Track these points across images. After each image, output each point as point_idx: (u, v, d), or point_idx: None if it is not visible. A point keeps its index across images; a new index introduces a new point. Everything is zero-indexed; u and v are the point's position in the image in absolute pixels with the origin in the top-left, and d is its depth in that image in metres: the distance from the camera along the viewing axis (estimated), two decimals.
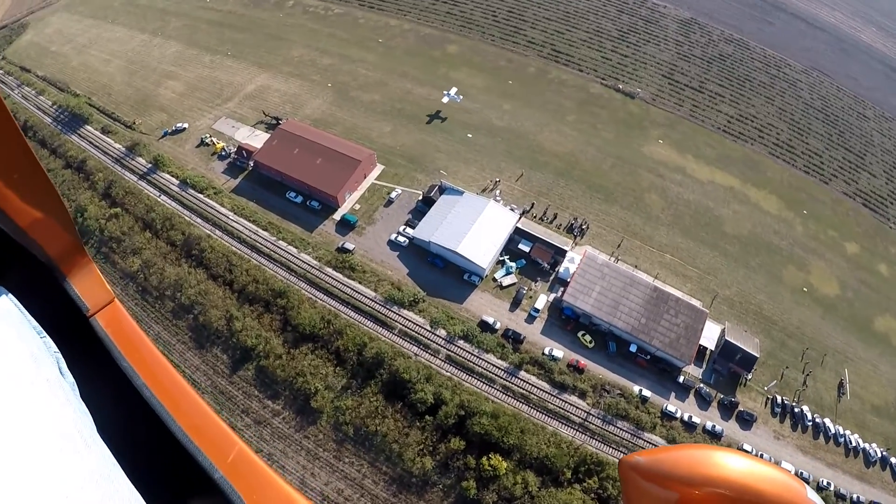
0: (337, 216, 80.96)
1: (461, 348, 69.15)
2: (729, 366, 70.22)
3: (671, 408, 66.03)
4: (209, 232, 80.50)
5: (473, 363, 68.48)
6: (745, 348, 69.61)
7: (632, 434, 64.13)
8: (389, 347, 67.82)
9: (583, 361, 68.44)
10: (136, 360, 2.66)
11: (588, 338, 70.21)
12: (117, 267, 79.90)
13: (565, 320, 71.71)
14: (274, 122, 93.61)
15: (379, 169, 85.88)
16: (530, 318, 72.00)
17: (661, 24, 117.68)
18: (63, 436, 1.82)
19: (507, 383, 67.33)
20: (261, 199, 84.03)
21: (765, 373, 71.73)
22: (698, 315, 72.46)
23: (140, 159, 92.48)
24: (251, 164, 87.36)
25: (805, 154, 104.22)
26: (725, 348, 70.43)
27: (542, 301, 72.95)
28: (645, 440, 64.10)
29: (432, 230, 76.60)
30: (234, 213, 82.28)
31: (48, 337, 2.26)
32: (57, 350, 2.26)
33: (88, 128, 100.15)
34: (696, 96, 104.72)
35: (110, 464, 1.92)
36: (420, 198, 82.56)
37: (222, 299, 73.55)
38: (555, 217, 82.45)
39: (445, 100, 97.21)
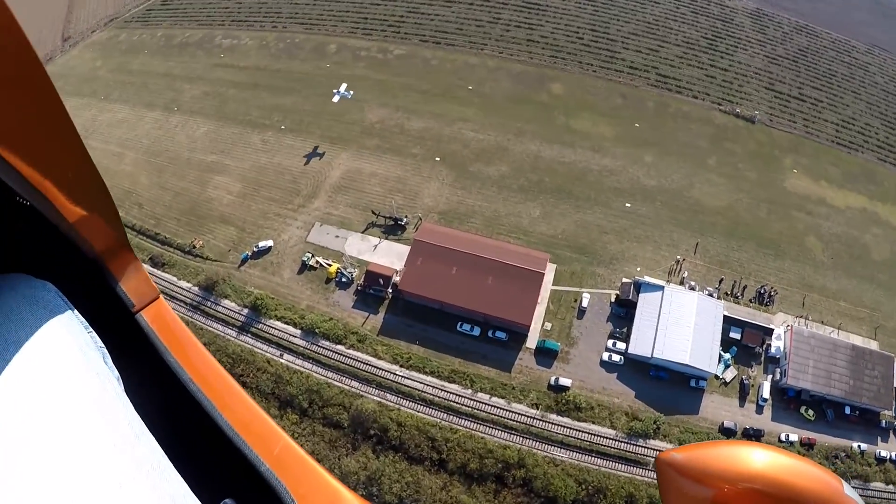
0: (531, 343, 65.97)
1: None
2: None
3: (883, 453, 66.50)
4: (379, 399, 62.89)
5: None
6: None
7: (861, 489, 63.07)
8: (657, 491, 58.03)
9: (812, 436, 66.55)
10: (182, 355, 2.61)
11: (810, 412, 67.70)
12: None
13: (788, 400, 68.13)
14: (391, 222, 73.79)
15: (551, 269, 70.65)
16: (759, 409, 67.31)
17: (735, 21, 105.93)
18: (114, 427, 1.86)
19: None
20: (424, 337, 66.61)
21: None
22: (888, 361, 71.57)
23: (228, 303, 70.42)
24: (390, 291, 68.58)
25: None
26: None
27: (766, 388, 67.97)
28: (872, 490, 63.38)
29: (649, 342, 65.74)
30: (401, 366, 64.66)
31: (94, 332, 2.25)
32: (102, 345, 2.26)
33: None
34: (801, 107, 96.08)
35: (159, 455, 1.95)
36: (613, 300, 69.38)
37: (441, 487, 58.17)
38: (744, 290, 73.95)
39: (336, 99, 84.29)
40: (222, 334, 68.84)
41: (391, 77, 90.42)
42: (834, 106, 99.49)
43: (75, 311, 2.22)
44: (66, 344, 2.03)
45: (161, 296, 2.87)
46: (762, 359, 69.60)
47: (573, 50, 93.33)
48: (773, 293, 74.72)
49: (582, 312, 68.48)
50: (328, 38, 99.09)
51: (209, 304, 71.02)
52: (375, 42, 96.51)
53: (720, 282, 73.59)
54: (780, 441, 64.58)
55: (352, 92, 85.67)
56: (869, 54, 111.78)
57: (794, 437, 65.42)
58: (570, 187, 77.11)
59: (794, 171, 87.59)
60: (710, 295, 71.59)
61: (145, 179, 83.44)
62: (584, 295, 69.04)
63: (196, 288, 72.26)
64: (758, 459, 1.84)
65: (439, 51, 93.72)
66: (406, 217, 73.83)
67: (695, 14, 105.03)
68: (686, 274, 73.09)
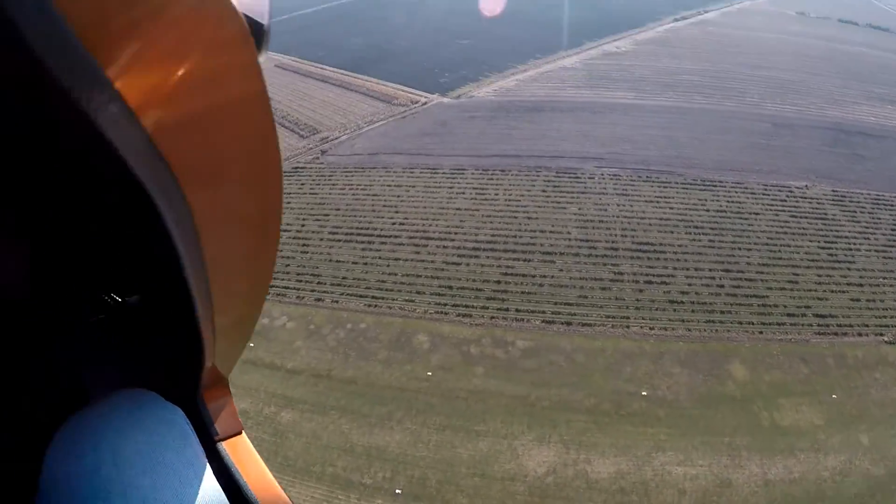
0: None
1: None
2: None
3: None
4: None
5: None
6: None
7: None
8: None
9: None
10: (258, 491, 2.65)
11: None
12: None
13: None
14: None
15: None
16: None
17: (829, 215, 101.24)
18: None
19: None
20: None
21: None
22: None
23: None
24: None
25: None
26: None
27: None
28: None
29: None
30: None
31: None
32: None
33: None
34: None
35: None
36: None
37: None
38: None
39: None
40: None
41: (532, 390, 72.93)
42: None
43: (197, 440, 2.29)
44: (198, 473, 2.13)
45: (244, 431, 2.97)
46: None
47: (724, 307, 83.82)
48: None
49: None
50: (408, 322, 79.25)
51: None
52: (483, 329, 79.16)
53: None
54: None
55: None
56: None
57: None
58: None
59: None
60: None
61: None
62: None
63: None
64: None
65: (576, 336, 78.89)
66: None
67: (795, 218, 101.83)
68: None
